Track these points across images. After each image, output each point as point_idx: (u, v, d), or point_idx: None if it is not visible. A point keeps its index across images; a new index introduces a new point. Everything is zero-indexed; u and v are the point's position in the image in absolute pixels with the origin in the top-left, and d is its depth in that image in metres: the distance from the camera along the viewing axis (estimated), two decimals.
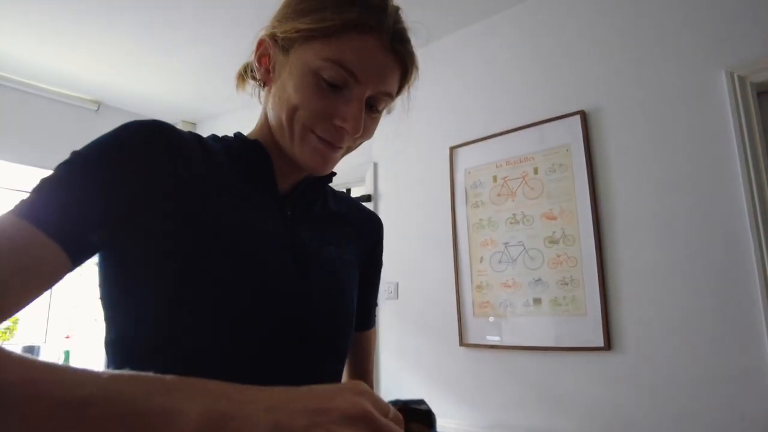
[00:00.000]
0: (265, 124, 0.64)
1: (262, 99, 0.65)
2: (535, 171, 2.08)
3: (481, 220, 2.22)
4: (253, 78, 0.66)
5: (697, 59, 1.74)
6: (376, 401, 0.35)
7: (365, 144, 2.50)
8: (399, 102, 2.57)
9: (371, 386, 0.77)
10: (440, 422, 2.14)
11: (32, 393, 0.31)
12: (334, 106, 0.56)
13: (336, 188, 2.89)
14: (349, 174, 2.83)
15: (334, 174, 0.70)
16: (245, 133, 0.66)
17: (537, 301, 1.99)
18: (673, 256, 1.69)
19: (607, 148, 1.90)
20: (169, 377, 0.34)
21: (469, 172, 2.30)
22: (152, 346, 0.50)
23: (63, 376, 0.32)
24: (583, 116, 1.95)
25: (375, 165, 2.72)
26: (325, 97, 0.56)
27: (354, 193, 2.92)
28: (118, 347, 0.52)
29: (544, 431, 1.87)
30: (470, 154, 2.32)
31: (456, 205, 2.32)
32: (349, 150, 0.64)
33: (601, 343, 1.79)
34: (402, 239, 2.52)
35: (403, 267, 2.48)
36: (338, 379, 0.65)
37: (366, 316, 0.78)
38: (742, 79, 1.66)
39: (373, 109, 0.60)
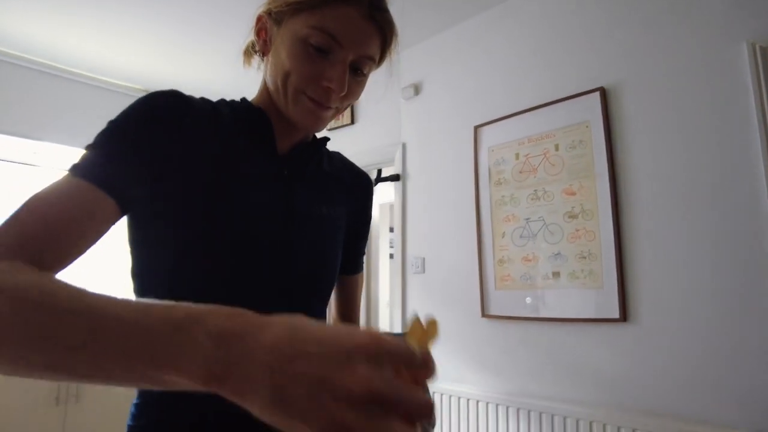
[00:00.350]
0: (264, 90, 0.72)
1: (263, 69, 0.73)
2: (556, 148, 2.12)
3: (503, 196, 2.29)
4: (255, 52, 0.74)
5: (717, 31, 1.72)
6: (395, 356, 0.31)
7: (395, 125, 2.62)
8: (427, 84, 2.66)
9: (356, 324, 0.89)
10: (462, 389, 2.25)
11: (75, 323, 0.35)
12: (321, 69, 0.64)
13: (367, 168, 3.00)
14: (379, 154, 2.93)
15: (328, 139, 0.81)
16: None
17: (556, 274, 2.05)
18: (691, 230, 1.71)
19: (626, 123, 1.92)
20: (176, 314, 0.35)
21: (493, 150, 2.36)
22: (166, 280, 0.62)
23: (101, 309, 0.36)
24: (603, 93, 1.97)
25: (404, 145, 2.81)
26: (313, 61, 0.64)
27: (383, 173, 3.03)
28: (141, 278, 0.64)
29: (560, 399, 1.95)
30: (493, 133, 2.37)
31: (480, 183, 2.38)
32: (338, 111, 0.72)
33: (617, 314, 1.83)
34: (429, 216, 2.61)
35: (429, 243, 2.58)
36: (323, 316, 0.77)
37: (353, 262, 0.88)
38: (763, 50, 1.64)
39: (358, 72, 0.68)
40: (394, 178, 2.82)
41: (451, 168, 2.54)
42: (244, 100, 0.74)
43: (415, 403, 0.30)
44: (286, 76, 0.65)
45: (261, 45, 0.71)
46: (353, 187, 0.85)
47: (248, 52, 0.77)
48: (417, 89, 2.80)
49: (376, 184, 3.18)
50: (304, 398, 0.29)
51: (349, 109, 3.14)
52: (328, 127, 3.21)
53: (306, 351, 0.30)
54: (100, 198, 0.53)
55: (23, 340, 0.36)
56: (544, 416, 1.92)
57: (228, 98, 0.75)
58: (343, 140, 3.17)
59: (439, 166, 2.61)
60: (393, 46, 0.71)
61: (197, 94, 0.70)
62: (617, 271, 1.86)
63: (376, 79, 2.82)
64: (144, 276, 0.64)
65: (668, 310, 1.73)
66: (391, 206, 3.76)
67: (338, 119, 3.19)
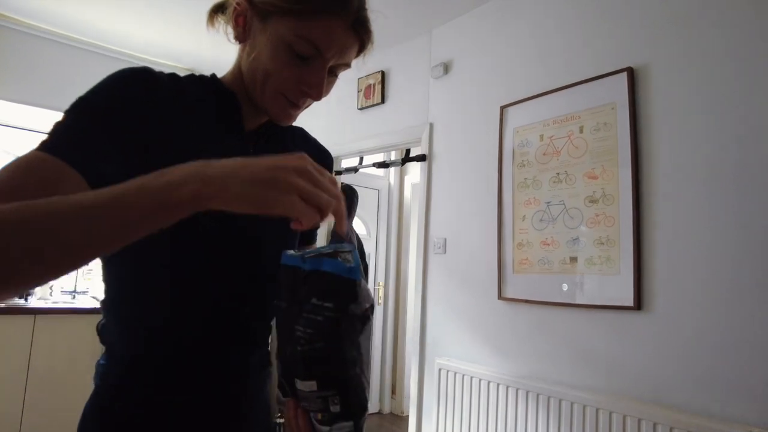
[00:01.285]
0: (238, 73, 0.73)
1: (238, 50, 0.74)
2: (581, 130, 2.05)
3: (526, 179, 2.25)
4: (222, 13, 0.75)
5: (753, 10, 1.61)
6: (314, 163, 0.49)
7: (422, 105, 2.65)
8: (457, 63, 2.64)
9: None
10: (473, 369, 2.25)
11: (99, 208, 0.43)
12: (302, 74, 0.67)
13: (393, 148, 3.00)
14: (407, 135, 2.94)
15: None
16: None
17: (573, 259, 2.01)
18: (713, 220, 1.63)
19: (653, 106, 1.83)
20: (160, 177, 0.45)
21: (518, 131, 2.32)
22: (134, 268, 0.65)
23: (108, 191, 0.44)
24: (630, 73, 1.89)
25: (431, 126, 2.80)
26: (295, 65, 0.67)
27: (411, 153, 3.04)
28: (109, 264, 0.67)
29: (569, 385, 1.94)
30: (519, 113, 2.33)
31: (503, 165, 2.35)
32: (307, 106, 0.74)
33: (631, 302, 1.79)
34: (452, 197, 2.61)
35: (451, 224, 2.59)
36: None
37: (309, 234, 0.90)
38: None
39: (332, 74, 0.71)
40: (421, 158, 2.83)
41: (476, 149, 2.52)
42: (214, 77, 0.76)
43: (332, 188, 0.49)
44: (266, 76, 0.68)
45: (239, 33, 0.71)
46: (314, 160, 0.87)
47: (212, 16, 0.77)
48: (447, 68, 2.76)
49: (403, 164, 3.19)
50: (268, 179, 0.45)
51: (379, 89, 3.15)
52: (360, 106, 3.24)
53: (257, 159, 0.47)
54: (62, 169, 0.53)
55: (63, 233, 0.42)
56: (552, 400, 1.91)
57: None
58: (373, 120, 3.20)
59: (464, 147, 2.59)
60: (368, 50, 0.74)
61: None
62: (634, 258, 1.80)
63: (410, 57, 2.78)
64: (112, 262, 0.68)
65: (684, 301, 1.67)
66: None
67: (369, 99, 3.21)
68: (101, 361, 0.70)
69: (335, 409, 0.58)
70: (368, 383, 0.61)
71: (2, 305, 2.57)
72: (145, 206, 0.44)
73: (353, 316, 0.58)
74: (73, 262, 0.44)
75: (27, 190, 0.48)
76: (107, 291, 0.70)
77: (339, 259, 0.58)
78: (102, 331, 0.71)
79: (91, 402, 0.69)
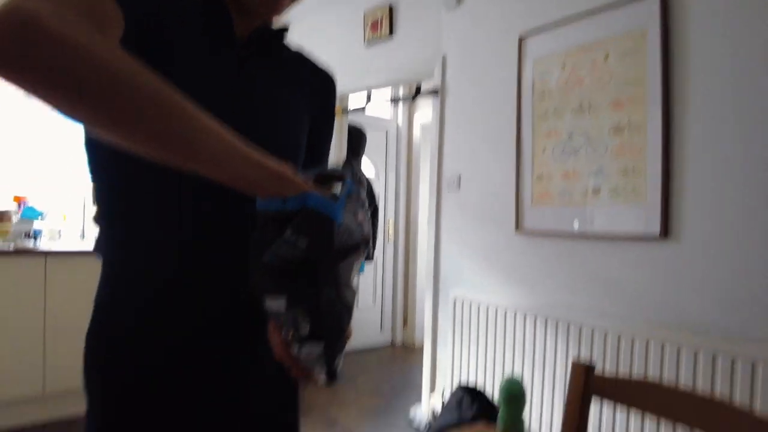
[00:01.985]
0: None
1: None
2: (606, 57, 1.98)
3: (546, 111, 2.20)
4: None
5: None
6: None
7: (434, 38, 2.51)
8: None
9: None
10: (492, 300, 2.27)
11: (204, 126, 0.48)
12: None
13: (405, 83, 2.90)
14: (418, 69, 2.84)
15: (287, 29, 0.79)
16: None
17: (596, 191, 1.99)
18: (748, 149, 1.60)
19: (688, 31, 1.75)
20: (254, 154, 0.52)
21: (538, 61, 2.24)
22: (120, 167, 0.63)
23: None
24: None
25: (444, 58, 2.70)
26: None
27: (422, 87, 2.95)
28: (98, 174, 0.66)
29: (590, 313, 1.97)
30: (539, 41, 2.24)
31: (522, 96, 2.29)
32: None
33: (657, 231, 1.79)
34: (467, 132, 2.56)
35: (466, 160, 2.55)
36: None
37: (319, 163, 0.85)
38: None
39: None
40: (433, 92, 2.74)
41: (493, 81, 2.44)
42: None
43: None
44: None
45: None
46: (316, 83, 0.83)
47: None
48: None
49: (413, 99, 3.11)
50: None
51: (387, 21, 3.01)
52: (366, 39, 3.12)
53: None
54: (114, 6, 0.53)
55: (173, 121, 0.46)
56: (572, 327, 1.95)
57: None
58: (381, 54, 3.08)
59: (480, 80, 2.51)
60: None
61: None
62: (663, 188, 1.78)
63: None
64: (101, 172, 0.66)
65: (713, 229, 1.66)
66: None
67: (375, 32, 3.07)
68: (101, 284, 0.69)
69: (305, 330, 0.54)
70: (348, 309, 0.57)
71: (11, 249, 2.53)
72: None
73: (339, 248, 0.53)
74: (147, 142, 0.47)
75: (98, 12, 0.49)
76: (113, 202, 0.67)
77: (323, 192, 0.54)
78: (98, 247, 0.69)
79: (94, 330, 0.71)
